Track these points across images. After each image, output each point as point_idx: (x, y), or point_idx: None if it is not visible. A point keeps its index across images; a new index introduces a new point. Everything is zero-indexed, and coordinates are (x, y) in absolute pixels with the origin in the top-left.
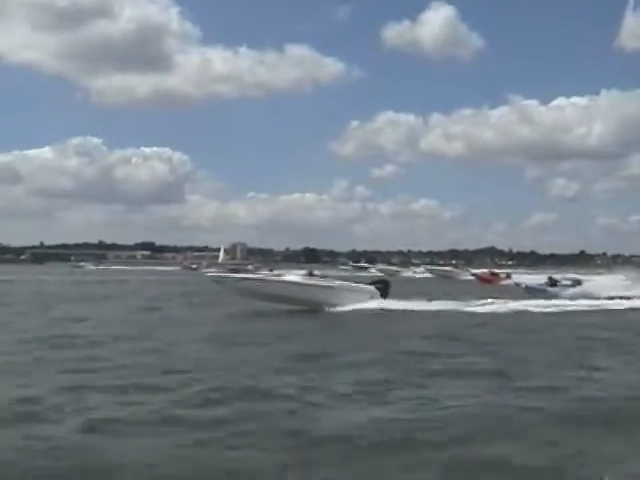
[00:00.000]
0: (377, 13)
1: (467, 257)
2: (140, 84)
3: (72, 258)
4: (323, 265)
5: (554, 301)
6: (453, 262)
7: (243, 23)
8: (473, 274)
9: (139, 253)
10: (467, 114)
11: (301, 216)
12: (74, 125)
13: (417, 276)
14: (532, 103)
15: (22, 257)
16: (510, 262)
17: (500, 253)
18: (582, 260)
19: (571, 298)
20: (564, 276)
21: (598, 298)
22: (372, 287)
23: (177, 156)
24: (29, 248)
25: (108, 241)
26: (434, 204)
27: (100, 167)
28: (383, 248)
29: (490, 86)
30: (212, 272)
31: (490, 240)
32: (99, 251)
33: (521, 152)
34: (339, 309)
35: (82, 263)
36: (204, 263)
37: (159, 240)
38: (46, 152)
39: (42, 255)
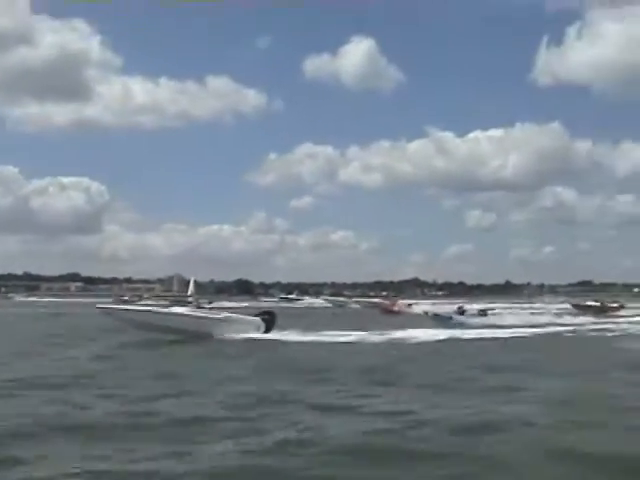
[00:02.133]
0: (298, 45)
1: (394, 288)
2: (59, 113)
3: (2, 289)
4: (254, 297)
5: (451, 330)
6: (384, 294)
7: (164, 53)
8: (374, 304)
9: (72, 285)
10: (385, 146)
11: (220, 248)
12: None
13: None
14: (449, 135)
15: None
16: (440, 292)
17: (424, 284)
18: (508, 290)
19: (472, 327)
20: (473, 307)
21: (499, 327)
22: (257, 319)
23: (95, 186)
24: None
25: (33, 272)
26: (352, 235)
27: (16, 196)
28: (306, 280)
29: (408, 119)
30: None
31: (409, 271)
32: (26, 282)
33: (438, 184)
34: (227, 336)
35: (10, 294)
36: (144, 295)
37: (82, 271)
38: None
39: None
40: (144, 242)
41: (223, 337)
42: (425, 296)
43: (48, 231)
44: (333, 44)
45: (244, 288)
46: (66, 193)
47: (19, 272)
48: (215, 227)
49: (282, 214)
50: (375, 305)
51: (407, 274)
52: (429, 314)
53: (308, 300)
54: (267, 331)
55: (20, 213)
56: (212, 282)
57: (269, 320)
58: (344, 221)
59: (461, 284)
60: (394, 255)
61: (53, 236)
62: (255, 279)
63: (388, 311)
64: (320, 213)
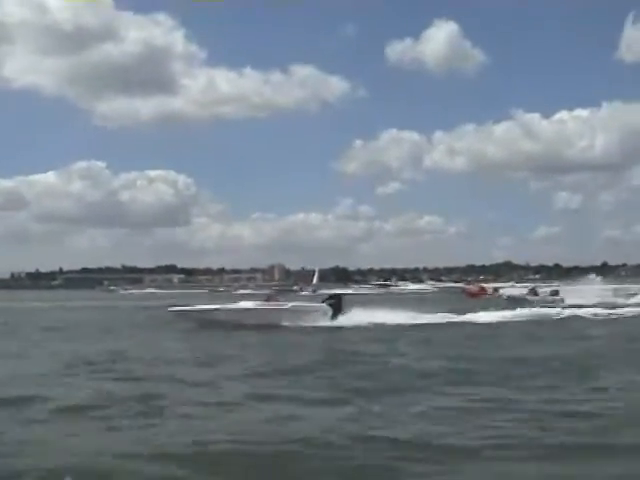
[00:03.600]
0: (381, 31)
1: (489, 272)
2: (145, 107)
3: (105, 283)
4: (353, 284)
5: (524, 310)
6: (481, 278)
7: (248, 44)
8: (462, 289)
9: (175, 277)
10: (471, 130)
11: (307, 236)
12: (78, 149)
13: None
14: (534, 117)
15: (54, 282)
16: (537, 276)
17: (517, 267)
18: (605, 271)
19: (543, 306)
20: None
21: (567, 307)
22: (324, 305)
23: (182, 178)
24: (61, 273)
25: (128, 264)
26: (439, 220)
27: (104, 191)
28: (393, 266)
29: (493, 101)
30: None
31: (498, 255)
32: (124, 275)
33: (525, 166)
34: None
35: (112, 287)
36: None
37: (176, 263)
38: (50, 177)
39: (77, 280)
40: (232, 233)
41: (294, 326)
42: (522, 280)
43: (137, 224)
44: (416, 28)
45: (341, 275)
46: (153, 186)
47: (117, 265)
48: (302, 215)
49: (368, 201)
50: (461, 290)
51: (496, 258)
52: (503, 296)
53: (411, 286)
54: (335, 315)
55: (109, 207)
56: (303, 270)
57: (335, 304)
58: (431, 206)
59: (557, 266)
60: (482, 239)
61: (142, 229)
62: (344, 266)
63: (474, 295)
64: (406, 199)
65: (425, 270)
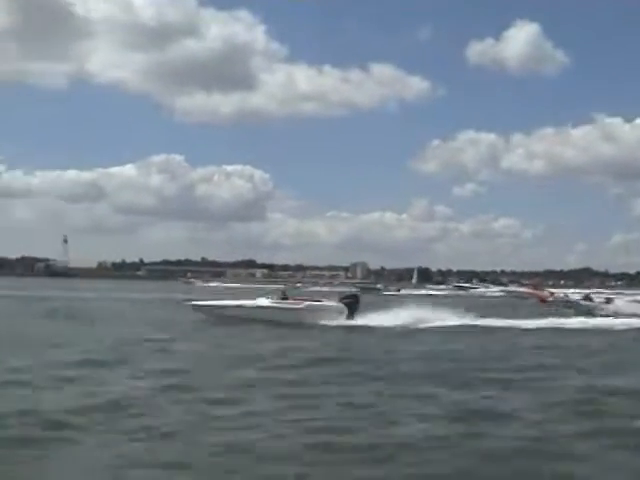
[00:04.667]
0: (461, 31)
1: (569, 277)
2: (224, 102)
3: (188, 275)
4: (434, 284)
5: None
6: (562, 283)
7: (327, 41)
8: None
9: (258, 271)
10: (550, 132)
11: (382, 235)
12: (157, 143)
13: None
14: (616, 121)
15: (138, 273)
16: (619, 282)
17: (597, 273)
18: None
19: (594, 315)
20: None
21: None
22: (339, 304)
23: (258, 174)
24: (143, 264)
25: (209, 258)
26: (514, 223)
27: (182, 184)
28: (470, 267)
29: (574, 104)
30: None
31: (574, 260)
32: (208, 268)
33: (604, 170)
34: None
35: (192, 280)
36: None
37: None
38: (129, 169)
39: (159, 271)
40: (307, 229)
41: (312, 323)
42: (604, 286)
43: (213, 218)
44: (496, 29)
45: (423, 276)
46: (230, 181)
47: (196, 258)
48: (377, 214)
49: (444, 201)
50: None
51: (570, 263)
52: (558, 300)
53: (482, 289)
54: (351, 315)
55: (186, 201)
56: (382, 269)
57: (352, 304)
58: (507, 208)
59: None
60: (557, 243)
61: (218, 223)
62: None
63: (543, 301)
64: (482, 200)
65: (503, 273)
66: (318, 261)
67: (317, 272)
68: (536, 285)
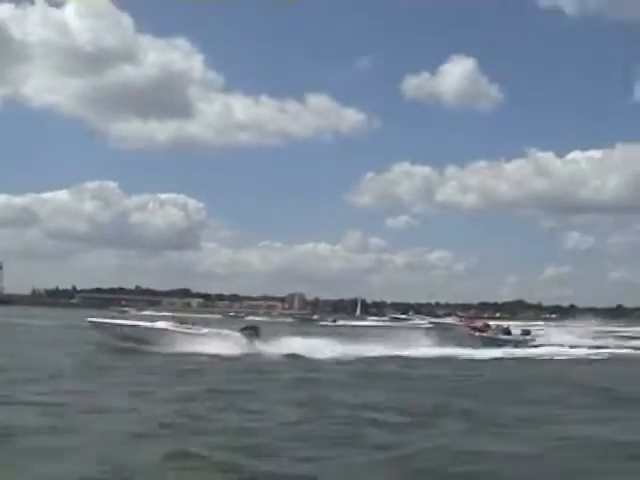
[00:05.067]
0: (397, 64)
1: (504, 310)
2: (160, 130)
3: (123, 303)
4: (367, 316)
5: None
6: (497, 315)
7: (265, 72)
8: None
9: (193, 300)
10: (483, 166)
11: (315, 266)
12: (92, 169)
13: None
14: (548, 155)
15: (72, 301)
16: (553, 315)
17: (530, 306)
18: (621, 313)
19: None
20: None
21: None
22: (238, 334)
23: (192, 203)
24: (77, 292)
25: (143, 286)
26: (448, 255)
27: (116, 211)
28: (403, 300)
29: (507, 139)
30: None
31: (506, 293)
32: (142, 297)
33: (536, 204)
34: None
35: (126, 308)
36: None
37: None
38: (62, 195)
39: (93, 299)
40: (241, 259)
41: (206, 352)
42: (540, 319)
43: (147, 246)
44: (433, 63)
45: (360, 307)
46: (164, 209)
47: (130, 286)
48: (311, 245)
49: (378, 233)
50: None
51: (503, 296)
52: (476, 335)
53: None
54: (250, 344)
55: (120, 228)
56: (317, 300)
57: (251, 334)
58: (440, 241)
59: (572, 307)
60: (490, 276)
61: (152, 251)
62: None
63: (478, 331)
64: (416, 232)
65: (438, 305)
66: (252, 291)
67: (254, 302)
68: (471, 317)
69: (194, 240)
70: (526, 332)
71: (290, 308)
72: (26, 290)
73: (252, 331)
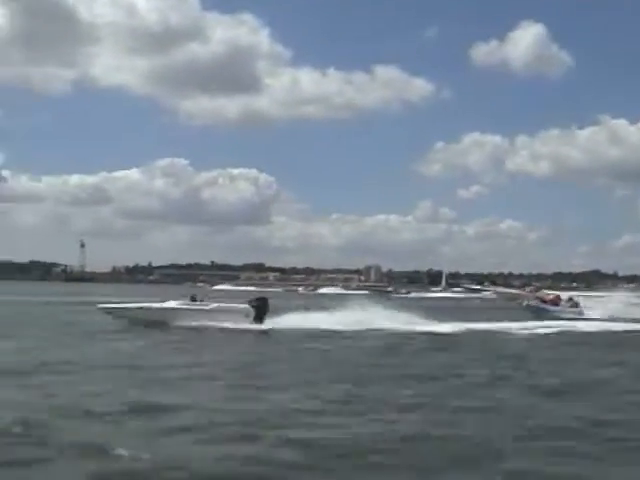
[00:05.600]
0: (465, 32)
1: (580, 280)
2: (228, 106)
3: (200, 278)
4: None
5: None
6: (574, 285)
7: (332, 44)
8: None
9: (271, 275)
10: (555, 134)
11: (387, 238)
12: (162, 147)
13: None
14: (621, 122)
15: (150, 277)
16: (631, 285)
17: (605, 276)
18: None
19: (562, 318)
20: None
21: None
22: (246, 306)
23: (263, 177)
24: (154, 268)
25: (213, 260)
26: (520, 225)
27: (187, 188)
28: (475, 270)
29: (579, 106)
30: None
31: (580, 263)
32: (219, 272)
33: (610, 172)
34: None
35: (200, 284)
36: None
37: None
38: (133, 173)
39: (173, 275)
40: (312, 232)
41: (216, 326)
42: (616, 289)
43: (218, 222)
44: (501, 30)
45: (435, 278)
46: (235, 184)
47: (206, 261)
48: (382, 217)
49: (449, 204)
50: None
51: (578, 266)
52: (524, 305)
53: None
54: (258, 317)
55: (191, 204)
56: (391, 271)
57: (260, 307)
58: (512, 211)
59: None
60: (563, 246)
61: (223, 227)
62: (421, 268)
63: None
64: (488, 202)
65: (512, 275)
66: (325, 264)
67: (331, 275)
68: (538, 288)
69: (265, 214)
70: (574, 304)
71: (367, 280)
72: (106, 268)
73: (262, 303)
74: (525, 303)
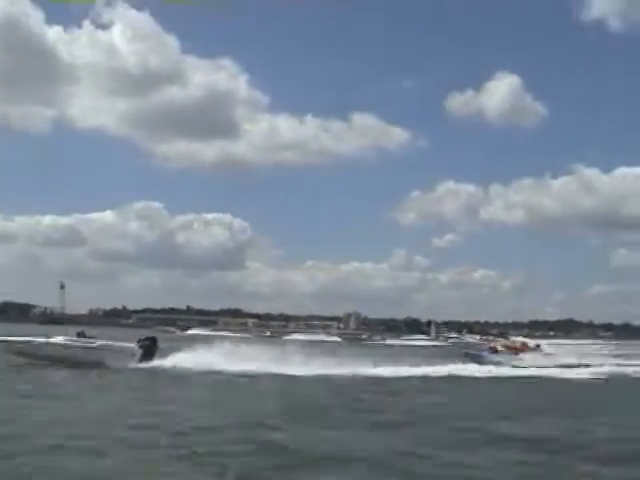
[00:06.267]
0: (442, 82)
1: (556, 328)
2: (205, 150)
3: (177, 323)
4: (421, 334)
5: (473, 366)
6: (551, 334)
7: (309, 91)
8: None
9: (250, 321)
10: (528, 183)
11: (361, 285)
12: (137, 190)
13: None
14: (594, 172)
15: (129, 321)
16: (608, 333)
17: (580, 324)
18: None
19: (495, 365)
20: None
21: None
22: (134, 346)
23: (238, 222)
24: (134, 312)
25: (194, 306)
26: (494, 274)
27: (161, 232)
28: (447, 317)
29: (553, 155)
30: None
31: (553, 311)
32: (191, 316)
33: (583, 221)
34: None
35: (172, 329)
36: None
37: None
38: (107, 215)
39: (149, 319)
40: (286, 279)
41: (104, 363)
42: (597, 337)
43: (192, 266)
44: (477, 80)
45: (412, 326)
46: (210, 229)
47: (181, 306)
48: (357, 264)
49: (423, 252)
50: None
51: (551, 314)
52: (463, 352)
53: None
54: (146, 357)
55: (165, 248)
56: (366, 319)
57: (148, 346)
58: (486, 259)
59: (627, 325)
60: (536, 293)
61: (197, 271)
62: (395, 316)
63: (516, 350)
64: (462, 251)
65: (488, 324)
66: (299, 310)
67: (309, 322)
68: (494, 335)
69: (240, 259)
70: (515, 352)
71: (346, 328)
72: (83, 310)
73: (150, 343)
74: (464, 351)
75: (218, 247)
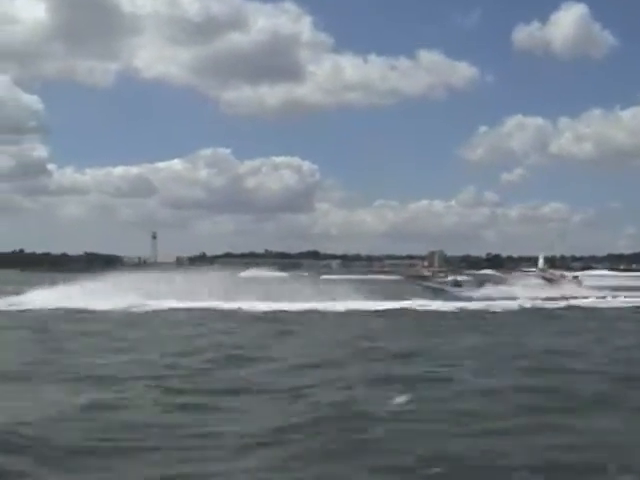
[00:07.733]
0: (507, 15)
1: (634, 261)
2: (270, 94)
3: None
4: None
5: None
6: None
7: (373, 30)
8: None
9: (334, 262)
10: (598, 115)
11: (430, 223)
12: (204, 137)
13: None
14: None
15: (213, 267)
16: None
17: None
18: None
19: (462, 299)
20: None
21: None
22: None
23: (306, 165)
24: (216, 257)
25: (274, 250)
26: (564, 207)
27: (230, 177)
28: (516, 253)
29: (622, 86)
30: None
31: (621, 244)
32: (272, 259)
33: None
34: None
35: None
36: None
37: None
38: (176, 164)
39: (233, 264)
40: (355, 219)
41: None
42: None
43: (261, 210)
44: (543, 12)
45: (495, 262)
46: (278, 173)
47: (260, 250)
48: (425, 202)
49: (492, 187)
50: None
51: (622, 247)
52: (423, 285)
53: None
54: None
55: (235, 194)
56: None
57: None
58: (555, 193)
59: None
60: (608, 227)
61: (266, 215)
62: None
63: (551, 281)
64: (531, 185)
65: (564, 258)
66: (373, 250)
67: (393, 261)
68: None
69: (309, 202)
70: (480, 283)
71: (430, 266)
72: (170, 258)
73: None
74: (425, 284)
75: (287, 190)
